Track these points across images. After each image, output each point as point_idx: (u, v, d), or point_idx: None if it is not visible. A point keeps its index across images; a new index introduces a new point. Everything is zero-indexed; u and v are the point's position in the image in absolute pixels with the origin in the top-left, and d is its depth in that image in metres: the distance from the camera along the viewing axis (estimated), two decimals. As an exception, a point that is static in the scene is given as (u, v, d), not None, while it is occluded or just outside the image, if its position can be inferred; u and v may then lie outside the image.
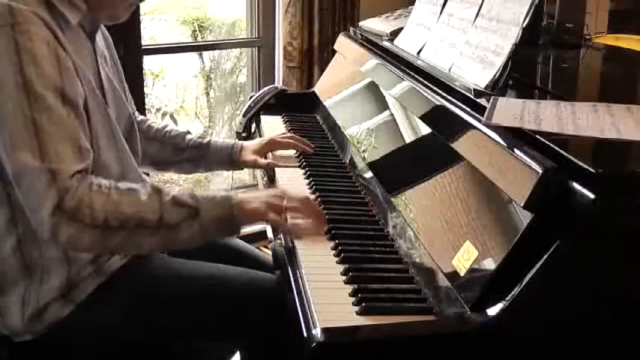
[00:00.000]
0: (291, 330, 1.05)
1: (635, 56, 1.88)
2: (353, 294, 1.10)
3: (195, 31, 4.39)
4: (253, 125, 2.11)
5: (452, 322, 1.01)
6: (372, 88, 1.79)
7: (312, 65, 2.98)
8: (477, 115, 1.23)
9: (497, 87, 1.36)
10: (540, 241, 0.94)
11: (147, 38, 3.57)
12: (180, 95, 4.54)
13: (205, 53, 4.31)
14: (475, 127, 1.20)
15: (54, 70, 1.15)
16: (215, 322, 1.31)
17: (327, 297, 1.10)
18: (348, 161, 1.73)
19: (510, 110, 1.22)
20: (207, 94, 4.50)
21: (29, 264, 1.25)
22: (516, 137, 1.10)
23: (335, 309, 1.07)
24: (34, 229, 1.16)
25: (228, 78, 4.45)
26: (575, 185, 0.94)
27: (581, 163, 0.96)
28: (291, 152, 1.78)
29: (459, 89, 1.40)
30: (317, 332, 0.97)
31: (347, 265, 1.19)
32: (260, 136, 1.95)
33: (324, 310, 1.05)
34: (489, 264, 1.01)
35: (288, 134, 1.83)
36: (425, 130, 1.44)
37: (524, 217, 0.98)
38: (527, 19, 1.35)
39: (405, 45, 1.80)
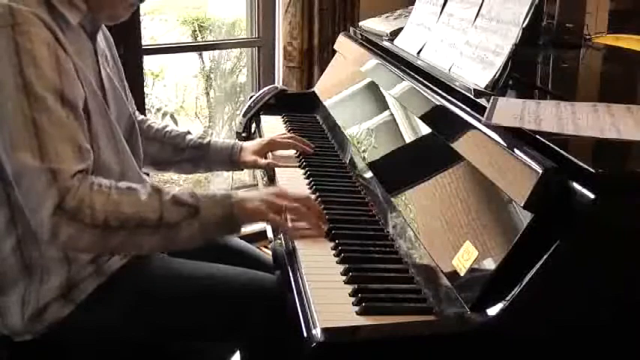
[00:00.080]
0: (291, 330, 1.05)
1: (635, 56, 1.88)
2: (353, 294, 1.10)
3: (195, 31, 4.39)
4: (253, 125, 2.11)
5: (452, 322, 1.01)
6: (372, 88, 1.79)
7: (312, 65, 2.98)
8: (477, 115, 1.23)
9: (497, 87, 1.37)
10: (540, 241, 0.94)
11: (147, 38, 3.57)
12: (180, 95, 4.54)
13: (205, 53, 4.31)
14: (475, 127, 1.20)
15: (53, 72, 1.15)
16: (215, 322, 1.31)
17: (327, 297, 1.10)
18: (348, 161, 1.73)
19: (510, 110, 1.22)
20: (207, 94, 4.50)
21: (29, 264, 1.25)
22: (516, 137, 1.10)
23: (335, 309, 1.07)
24: (33, 230, 1.16)
25: (228, 78, 4.45)
26: (575, 185, 0.94)
27: (581, 163, 0.96)
28: (291, 152, 1.78)
29: (459, 89, 1.40)
30: (317, 332, 0.97)
31: (347, 265, 1.19)
32: (260, 136, 1.95)
33: (324, 310, 1.05)
34: (489, 264, 1.01)
35: (288, 134, 1.83)
36: (425, 130, 1.44)
37: (524, 217, 0.98)
38: (527, 19, 1.35)
39: (405, 45, 1.80)
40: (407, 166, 1.47)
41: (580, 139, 1.09)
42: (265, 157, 1.72)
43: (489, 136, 1.14)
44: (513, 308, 0.93)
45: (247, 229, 1.85)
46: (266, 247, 1.62)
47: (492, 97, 1.30)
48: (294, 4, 2.89)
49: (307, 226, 1.31)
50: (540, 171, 0.96)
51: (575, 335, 0.98)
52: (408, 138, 1.51)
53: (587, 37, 2.01)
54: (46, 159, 1.11)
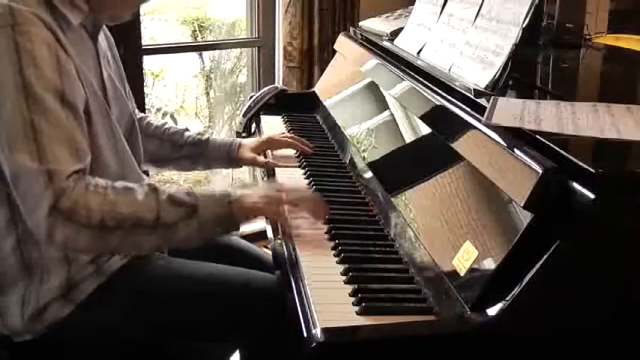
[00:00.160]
0: (291, 330, 1.05)
1: (635, 56, 1.88)
2: (353, 294, 1.10)
3: (195, 31, 4.39)
4: (253, 125, 2.11)
5: (452, 322, 1.01)
6: (372, 88, 1.79)
7: (312, 65, 2.98)
8: (477, 115, 1.23)
9: (497, 87, 1.37)
10: (540, 241, 0.94)
11: (147, 38, 3.57)
12: (180, 95, 4.54)
13: (205, 53, 4.31)
14: (475, 127, 1.20)
15: (54, 72, 1.15)
16: (215, 322, 1.31)
17: (327, 297, 1.10)
18: (348, 161, 1.73)
19: (510, 110, 1.22)
20: (207, 94, 4.50)
21: (29, 264, 1.24)
22: (516, 137, 1.10)
23: (335, 309, 1.07)
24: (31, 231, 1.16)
25: (228, 78, 4.45)
26: (575, 185, 0.94)
27: (581, 163, 0.96)
28: (291, 152, 1.78)
29: (459, 89, 1.40)
30: (317, 332, 0.97)
31: (347, 265, 1.19)
32: (260, 136, 1.95)
33: (324, 310, 1.06)
34: (489, 264, 1.01)
35: (288, 134, 1.83)
36: (425, 130, 1.44)
37: (524, 217, 0.98)
38: (527, 19, 1.35)
39: (405, 45, 1.80)
40: (407, 166, 1.47)
41: (580, 139, 1.09)
42: (264, 155, 1.72)
43: (489, 136, 1.14)
44: (513, 308, 0.93)
45: (247, 228, 1.85)
46: (266, 246, 1.62)
47: (492, 97, 1.30)
48: (294, 4, 2.89)
49: (305, 221, 1.30)
50: (540, 171, 0.96)
51: (575, 335, 0.98)
52: (408, 138, 1.51)
53: (587, 37, 2.01)
54: (44, 161, 1.11)
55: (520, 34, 1.35)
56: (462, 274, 1.04)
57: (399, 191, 1.38)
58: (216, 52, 4.35)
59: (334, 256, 1.24)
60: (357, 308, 1.06)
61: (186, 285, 1.33)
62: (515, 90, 1.44)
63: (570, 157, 0.99)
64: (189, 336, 1.35)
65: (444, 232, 1.16)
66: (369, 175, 1.56)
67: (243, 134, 2.03)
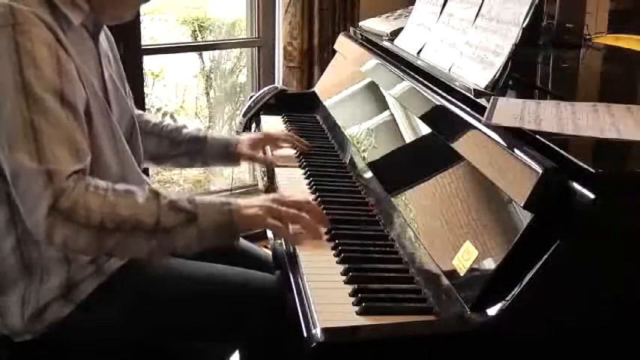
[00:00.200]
0: (291, 330, 1.05)
1: (635, 56, 1.88)
2: (353, 294, 1.10)
3: (195, 31, 4.39)
4: (253, 125, 2.11)
5: (452, 322, 1.01)
6: (372, 88, 1.79)
7: (312, 65, 2.99)
8: (477, 115, 1.23)
9: (497, 87, 1.37)
10: (540, 241, 0.94)
11: (147, 38, 3.57)
12: (180, 95, 4.55)
13: (205, 53, 4.31)
14: (475, 127, 1.20)
15: (53, 73, 1.14)
16: (215, 322, 1.31)
17: (327, 297, 1.10)
18: (348, 161, 1.73)
19: (510, 110, 1.22)
20: (207, 94, 4.51)
21: (29, 264, 1.24)
22: (516, 137, 1.10)
23: (335, 309, 1.07)
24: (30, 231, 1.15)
25: (228, 78, 4.45)
26: (575, 185, 0.94)
27: (581, 163, 0.96)
28: (291, 152, 1.78)
29: (459, 89, 1.40)
30: (317, 332, 0.97)
31: (347, 265, 1.19)
32: (260, 136, 1.95)
33: (324, 310, 1.05)
34: (489, 264, 1.01)
35: (286, 132, 1.83)
36: (425, 130, 1.44)
37: (524, 217, 0.98)
38: (527, 19, 1.35)
39: (405, 45, 1.80)
40: (407, 166, 1.47)
41: (580, 139, 1.09)
42: (263, 152, 1.72)
43: (489, 136, 1.14)
44: (513, 308, 0.93)
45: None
46: (266, 246, 1.62)
47: (492, 97, 1.30)
48: (294, 4, 2.89)
49: (305, 230, 1.28)
50: (540, 171, 0.96)
51: (575, 335, 0.98)
52: (408, 138, 1.51)
53: (587, 37, 2.01)
54: (44, 160, 1.11)
55: (520, 34, 1.35)
56: (462, 274, 1.04)
57: (399, 191, 1.38)
58: (216, 52, 4.35)
59: (334, 256, 1.24)
60: (357, 308, 1.06)
61: (186, 285, 1.33)
62: (515, 90, 1.44)
63: (570, 157, 0.99)
64: (189, 336, 1.35)
65: (444, 232, 1.16)
66: (369, 175, 1.56)
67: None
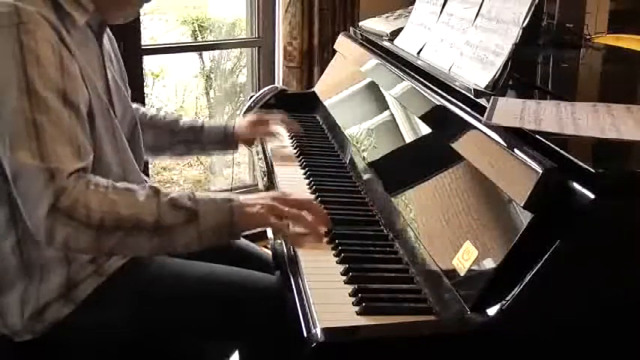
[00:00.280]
0: (291, 330, 1.05)
1: (635, 56, 1.88)
2: (353, 294, 1.10)
3: (195, 31, 4.40)
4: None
5: (452, 322, 1.01)
6: (372, 88, 1.79)
7: (312, 65, 2.99)
8: (477, 115, 1.23)
9: (497, 87, 1.37)
10: (540, 241, 0.94)
11: (147, 38, 3.57)
12: (180, 95, 4.55)
13: (205, 53, 4.32)
14: (475, 127, 1.20)
15: (57, 72, 1.15)
16: (215, 322, 1.31)
17: (327, 297, 1.10)
18: (348, 161, 1.73)
19: (510, 110, 1.22)
20: (207, 94, 4.51)
21: (29, 264, 1.24)
22: (516, 137, 1.10)
23: (335, 309, 1.07)
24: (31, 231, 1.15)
25: (228, 78, 4.46)
26: (575, 185, 0.94)
27: (581, 163, 0.96)
28: (292, 152, 1.78)
29: (459, 89, 1.40)
30: (317, 332, 0.97)
31: (347, 265, 1.19)
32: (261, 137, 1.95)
33: (324, 310, 1.05)
34: (489, 264, 1.01)
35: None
36: (425, 130, 1.44)
37: (524, 217, 0.98)
38: (527, 19, 1.35)
39: (405, 45, 1.80)
40: (407, 166, 1.47)
41: (580, 139, 1.09)
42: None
43: (489, 136, 1.14)
44: (513, 308, 0.93)
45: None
46: (266, 246, 1.62)
47: (492, 97, 1.30)
48: (294, 4, 2.89)
49: (307, 231, 1.27)
50: (540, 171, 0.96)
51: (575, 335, 0.98)
52: (408, 138, 1.51)
53: (587, 37, 2.01)
54: (45, 159, 1.11)
55: (520, 34, 1.35)
56: (462, 274, 1.04)
57: (399, 191, 1.38)
58: (216, 52, 4.35)
59: (334, 256, 1.24)
60: (357, 308, 1.06)
61: (186, 285, 1.33)
62: (515, 90, 1.44)
63: (570, 157, 0.99)
64: (189, 336, 1.35)
65: (444, 232, 1.16)
66: (369, 175, 1.56)
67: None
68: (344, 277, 1.16)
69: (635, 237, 0.96)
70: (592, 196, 0.91)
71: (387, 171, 1.50)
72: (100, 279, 1.29)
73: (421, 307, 1.08)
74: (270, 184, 1.66)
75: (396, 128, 1.57)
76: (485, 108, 1.24)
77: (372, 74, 1.84)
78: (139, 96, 2.48)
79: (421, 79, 1.55)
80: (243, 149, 1.85)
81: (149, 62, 4.00)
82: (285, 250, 1.28)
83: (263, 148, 1.85)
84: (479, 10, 1.51)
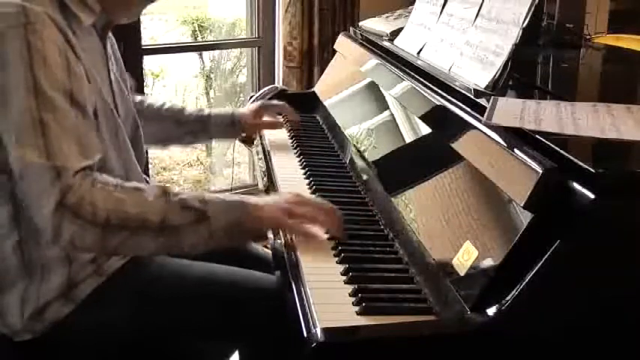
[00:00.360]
0: (291, 330, 1.05)
1: (635, 56, 1.88)
2: (353, 294, 1.10)
3: (196, 31, 4.40)
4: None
5: (452, 322, 1.01)
6: (372, 88, 1.79)
7: (312, 65, 2.99)
8: (477, 115, 1.23)
9: (497, 87, 1.37)
10: (540, 241, 0.94)
11: (147, 38, 3.57)
12: (180, 95, 4.55)
13: (205, 53, 4.32)
14: (475, 127, 1.20)
15: (63, 73, 1.15)
16: (214, 322, 1.31)
17: (327, 297, 1.10)
18: (348, 161, 1.73)
19: (510, 110, 1.22)
20: (207, 94, 4.51)
21: (30, 263, 1.24)
22: (516, 137, 1.10)
23: (335, 309, 1.07)
24: (36, 229, 1.15)
25: (228, 78, 4.46)
26: (575, 185, 0.94)
27: (581, 163, 0.96)
28: (292, 151, 1.79)
29: (459, 89, 1.40)
30: (317, 332, 0.97)
31: (347, 265, 1.19)
32: (260, 136, 1.96)
33: (324, 310, 1.05)
34: (489, 264, 1.01)
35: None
36: (425, 130, 1.44)
37: (524, 217, 0.98)
38: (527, 19, 1.35)
39: (405, 45, 1.80)
40: (407, 166, 1.47)
41: (580, 139, 1.09)
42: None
43: (489, 136, 1.14)
44: (513, 308, 0.93)
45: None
46: (266, 246, 1.62)
47: (492, 97, 1.30)
48: (294, 4, 2.89)
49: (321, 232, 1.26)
50: (540, 171, 0.96)
51: (575, 335, 0.98)
52: (408, 138, 1.51)
53: (587, 37, 2.01)
54: (51, 157, 1.11)
55: (520, 34, 1.35)
56: (462, 274, 1.04)
57: (399, 191, 1.38)
58: (216, 52, 4.35)
59: (334, 256, 1.24)
60: (357, 308, 1.06)
61: (186, 285, 1.33)
62: (515, 90, 1.44)
63: (570, 157, 0.99)
64: (189, 336, 1.35)
65: (444, 232, 1.16)
66: (369, 175, 1.55)
67: (243, 134, 2.04)
68: (344, 277, 1.16)
69: (635, 237, 0.96)
70: (592, 196, 0.91)
71: (387, 171, 1.50)
72: (100, 279, 1.29)
73: (421, 307, 1.08)
74: (270, 184, 1.66)
75: (396, 128, 1.57)
76: (485, 108, 1.24)
77: (372, 74, 1.84)
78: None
79: (421, 79, 1.55)
80: (243, 149, 1.86)
81: (149, 62, 4.00)
82: (285, 250, 1.28)
83: (263, 148, 1.85)
84: (479, 11, 1.51)
